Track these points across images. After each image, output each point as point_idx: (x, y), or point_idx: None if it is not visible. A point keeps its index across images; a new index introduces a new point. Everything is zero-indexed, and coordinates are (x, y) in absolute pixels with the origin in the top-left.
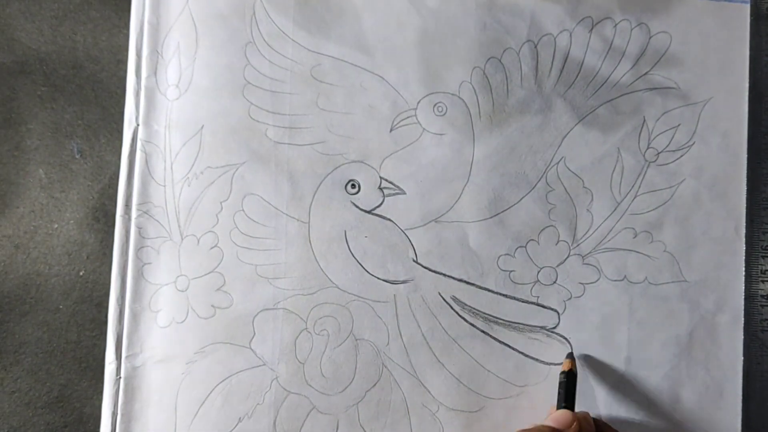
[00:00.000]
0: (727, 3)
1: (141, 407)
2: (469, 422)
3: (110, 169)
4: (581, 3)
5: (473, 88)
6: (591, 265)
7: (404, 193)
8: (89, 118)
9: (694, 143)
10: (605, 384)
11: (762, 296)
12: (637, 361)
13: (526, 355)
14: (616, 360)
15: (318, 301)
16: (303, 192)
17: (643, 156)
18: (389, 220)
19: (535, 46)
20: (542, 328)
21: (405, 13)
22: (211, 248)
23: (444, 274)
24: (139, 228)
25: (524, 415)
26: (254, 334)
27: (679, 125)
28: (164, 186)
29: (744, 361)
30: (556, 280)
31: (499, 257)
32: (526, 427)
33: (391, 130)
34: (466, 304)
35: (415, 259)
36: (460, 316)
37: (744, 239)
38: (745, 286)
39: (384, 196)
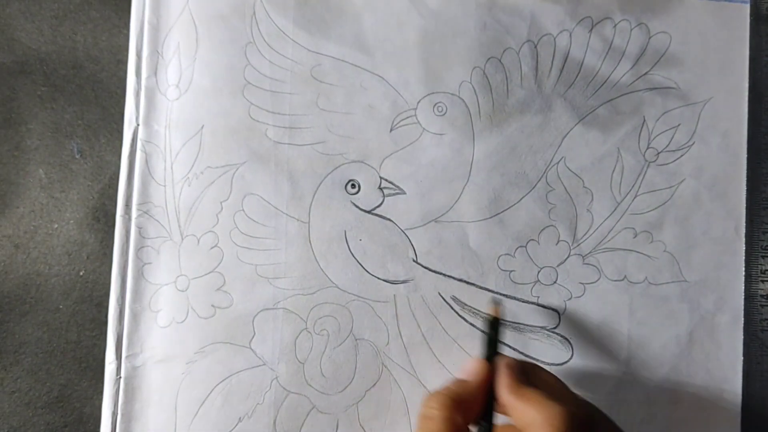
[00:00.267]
0: (727, 3)
1: (141, 407)
2: None
3: (110, 169)
4: (581, 3)
5: (473, 88)
6: (591, 265)
7: (404, 193)
8: (89, 118)
9: (694, 143)
10: (605, 384)
11: (762, 296)
12: (637, 361)
13: (526, 355)
14: (616, 360)
15: (318, 301)
16: (303, 192)
17: (643, 156)
18: (389, 220)
19: (535, 46)
20: (542, 328)
21: (405, 13)
22: (211, 248)
23: (444, 274)
24: (139, 228)
25: None
26: (254, 334)
27: (679, 125)
28: (164, 186)
29: (744, 361)
30: (557, 280)
31: (499, 257)
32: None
33: (391, 130)
34: (466, 304)
35: (415, 259)
36: (460, 316)
37: (744, 239)
38: (745, 286)
39: (384, 196)
